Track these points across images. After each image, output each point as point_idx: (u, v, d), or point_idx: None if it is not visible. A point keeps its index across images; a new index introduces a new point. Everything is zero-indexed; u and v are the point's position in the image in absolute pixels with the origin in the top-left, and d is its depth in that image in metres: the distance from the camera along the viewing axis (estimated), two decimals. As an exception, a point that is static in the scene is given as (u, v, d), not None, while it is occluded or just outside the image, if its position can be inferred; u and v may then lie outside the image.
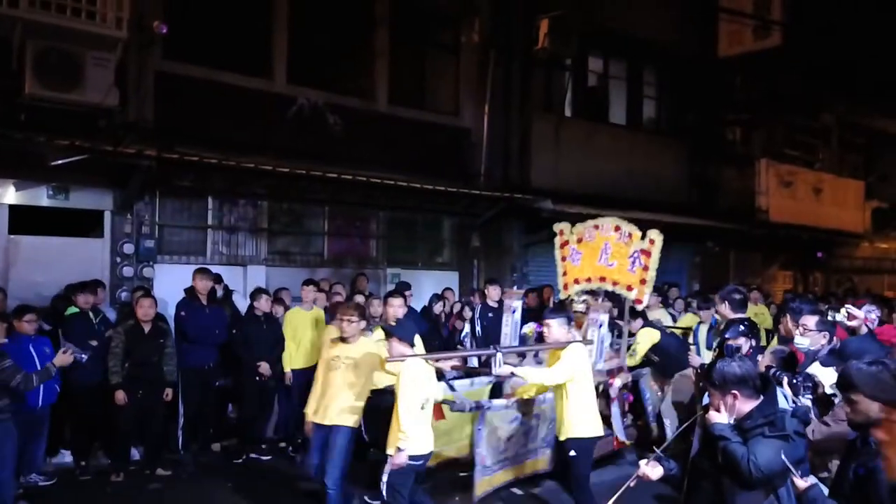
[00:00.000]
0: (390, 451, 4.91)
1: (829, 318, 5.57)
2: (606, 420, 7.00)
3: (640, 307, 7.19)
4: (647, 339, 7.85)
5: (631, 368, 7.78)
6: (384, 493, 4.90)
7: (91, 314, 7.23)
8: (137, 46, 8.52)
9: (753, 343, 5.37)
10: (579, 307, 7.29)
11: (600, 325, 7.01)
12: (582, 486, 5.33)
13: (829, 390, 4.27)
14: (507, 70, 11.85)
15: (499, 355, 5.30)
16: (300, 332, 7.90)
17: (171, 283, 8.56)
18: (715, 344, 6.05)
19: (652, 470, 3.46)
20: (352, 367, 5.44)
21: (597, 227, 7.23)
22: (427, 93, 11.80)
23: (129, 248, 8.79)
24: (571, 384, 5.26)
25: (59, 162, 7.75)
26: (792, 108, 16.09)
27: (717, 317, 7.41)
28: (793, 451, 3.05)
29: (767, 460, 3.03)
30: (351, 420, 5.47)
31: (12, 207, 8.25)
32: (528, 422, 6.57)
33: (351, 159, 9.76)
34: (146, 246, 8.90)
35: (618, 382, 7.27)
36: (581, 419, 5.29)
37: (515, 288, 7.58)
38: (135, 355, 6.88)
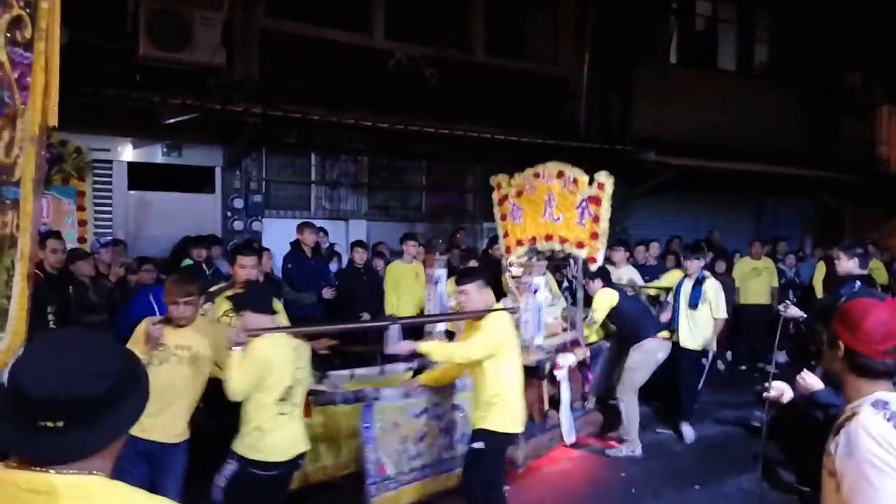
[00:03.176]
0: (239, 449, 3.75)
1: None
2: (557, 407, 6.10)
3: (594, 266, 6.04)
4: (605, 302, 6.59)
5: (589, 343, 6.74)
6: (213, 497, 3.76)
7: (204, 266, 7.58)
8: (242, 5, 8.72)
9: None
10: (517, 271, 5.96)
11: (535, 291, 5.64)
12: (472, 494, 4.34)
13: None
14: (608, 15, 11.41)
15: (393, 328, 4.22)
16: (402, 285, 8.01)
17: (278, 236, 8.85)
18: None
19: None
20: (188, 359, 3.92)
21: (538, 175, 6.05)
22: (525, 42, 11.56)
23: (238, 203, 9.14)
24: (491, 363, 4.24)
25: (172, 120, 8.09)
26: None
27: (705, 271, 7.00)
28: None
29: None
30: (187, 433, 4.00)
31: (130, 165, 8.70)
32: (447, 415, 5.18)
33: (448, 112, 9.73)
34: (254, 201, 9.24)
35: (564, 361, 5.98)
36: (499, 408, 4.27)
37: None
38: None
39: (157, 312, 6.67)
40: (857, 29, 13.98)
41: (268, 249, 7.56)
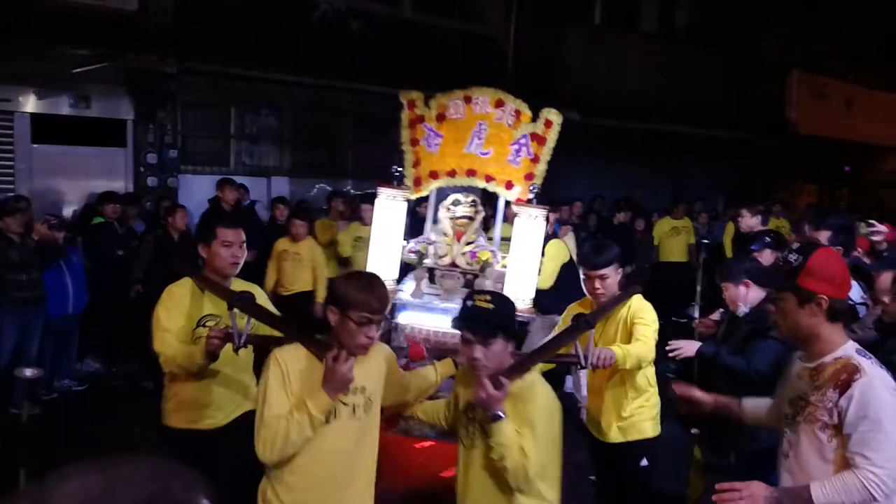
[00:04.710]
0: None
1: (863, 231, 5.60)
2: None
3: (517, 209, 5.13)
4: (557, 255, 6.10)
5: None
6: None
7: (116, 224, 7.27)
8: (154, -53, 8.22)
9: (778, 255, 5.28)
10: (463, 211, 5.11)
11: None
12: None
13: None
14: (535, -25, 11.36)
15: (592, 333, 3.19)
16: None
17: (195, 193, 8.56)
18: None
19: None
20: (364, 407, 2.54)
21: (469, 99, 5.15)
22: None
23: (152, 158, 8.75)
24: None
25: (80, 70, 7.62)
26: (829, 18, 15.41)
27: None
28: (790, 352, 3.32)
29: (765, 361, 3.43)
30: None
31: (34, 116, 8.15)
32: None
33: (374, 68, 9.51)
34: (169, 156, 8.84)
35: None
36: (648, 410, 3.64)
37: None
38: (165, 263, 6.90)
39: (66, 271, 6.46)
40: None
41: (183, 207, 7.28)
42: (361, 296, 2.37)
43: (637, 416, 3.59)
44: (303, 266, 6.93)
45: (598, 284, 3.55)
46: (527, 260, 4.52)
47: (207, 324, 3.21)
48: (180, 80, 8.23)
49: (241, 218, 7.70)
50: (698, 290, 7.78)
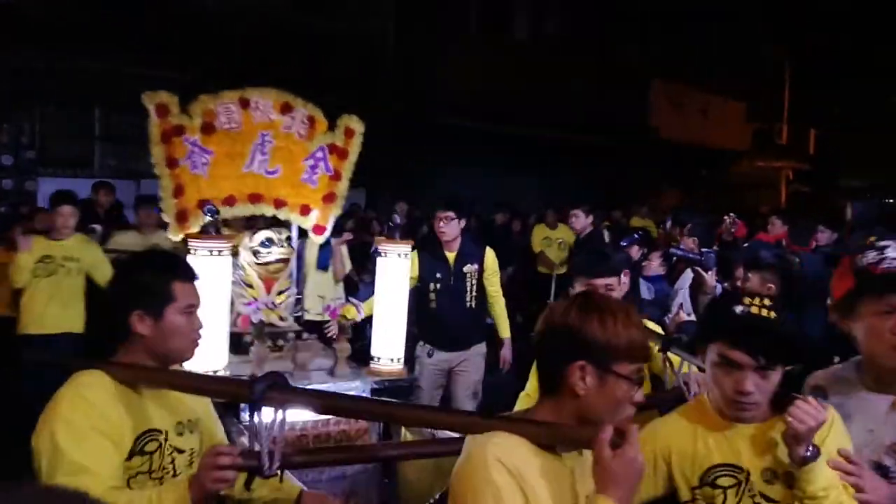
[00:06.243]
0: None
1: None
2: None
3: (319, 239, 4.30)
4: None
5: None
6: None
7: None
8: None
9: (644, 251, 5.67)
10: (278, 253, 3.88)
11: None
12: None
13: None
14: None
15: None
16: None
17: (56, 197, 8.07)
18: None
19: None
20: None
21: (246, 103, 3.95)
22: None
23: (7, 160, 8.36)
24: None
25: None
26: (687, 27, 16.45)
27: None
28: None
29: None
30: None
31: None
32: None
33: (251, 67, 9.33)
34: (26, 157, 8.41)
35: None
36: None
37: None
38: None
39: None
40: (637, 3, 15.19)
41: (45, 209, 6.88)
42: (635, 334, 1.50)
43: None
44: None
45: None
46: (395, 309, 3.66)
47: (146, 448, 1.84)
48: (39, 77, 7.77)
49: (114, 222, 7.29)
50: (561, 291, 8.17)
